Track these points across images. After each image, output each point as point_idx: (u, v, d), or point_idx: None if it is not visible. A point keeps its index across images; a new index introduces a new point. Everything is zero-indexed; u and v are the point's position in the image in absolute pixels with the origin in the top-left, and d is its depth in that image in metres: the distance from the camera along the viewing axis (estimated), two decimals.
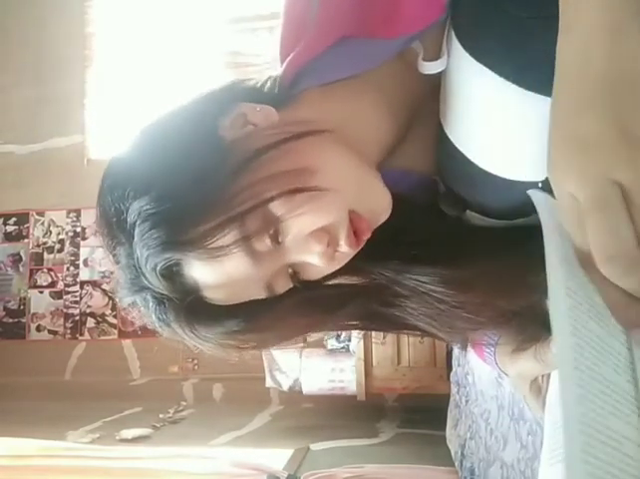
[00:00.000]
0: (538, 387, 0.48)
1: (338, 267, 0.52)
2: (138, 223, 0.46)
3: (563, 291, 0.32)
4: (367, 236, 0.50)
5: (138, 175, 0.48)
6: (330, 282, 0.55)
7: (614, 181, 0.31)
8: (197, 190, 0.46)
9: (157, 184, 0.46)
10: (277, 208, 0.46)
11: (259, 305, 0.50)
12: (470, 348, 0.61)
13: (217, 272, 0.47)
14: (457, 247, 0.58)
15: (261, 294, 0.50)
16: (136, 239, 0.47)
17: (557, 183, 0.34)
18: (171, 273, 0.47)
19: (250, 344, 0.53)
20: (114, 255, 0.51)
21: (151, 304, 0.50)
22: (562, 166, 0.33)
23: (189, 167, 0.47)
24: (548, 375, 0.44)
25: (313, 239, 0.48)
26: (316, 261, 0.49)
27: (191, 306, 0.49)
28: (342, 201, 0.49)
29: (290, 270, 0.51)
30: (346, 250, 0.50)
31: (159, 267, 0.47)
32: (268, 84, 0.55)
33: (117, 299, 0.53)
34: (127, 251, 0.49)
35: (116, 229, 0.49)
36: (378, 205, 0.51)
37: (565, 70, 0.34)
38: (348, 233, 0.49)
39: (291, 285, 0.51)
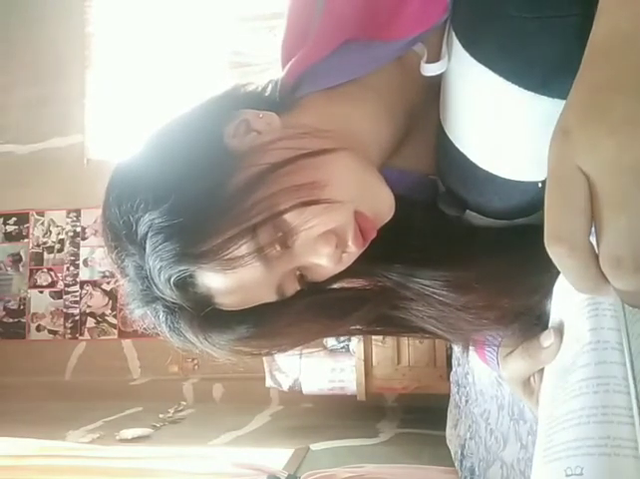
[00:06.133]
0: (532, 388, 0.48)
1: (344, 268, 0.52)
2: (150, 235, 0.47)
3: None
4: (372, 235, 0.51)
5: (146, 186, 0.48)
6: (338, 286, 0.56)
7: None
8: (209, 202, 0.46)
9: (167, 196, 0.46)
10: (290, 219, 0.47)
11: (271, 310, 0.51)
12: (472, 350, 0.61)
13: (230, 280, 0.47)
14: (458, 249, 0.58)
15: (272, 298, 0.50)
16: (148, 250, 0.47)
17: (569, 151, 0.30)
18: (185, 284, 0.48)
19: (264, 350, 0.54)
20: (122, 268, 0.51)
21: (162, 315, 0.51)
22: (585, 135, 0.30)
23: (199, 179, 0.47)
24: (540, 376, 0.43)
25: (322, 242, 0.48)
26: (324, 263, 0.49)
27: (205, 314, 0.49)
28: (349, 206, 0.49)
29: (297, 273, 0.51)
30: (353, 251, 0.50)
31: (173, 279, 0.47)
32: (269, 88, 0.55)
33: (127, 312, 0.53)
34: (137, 263, 0.49)
35: (125, 241, 0.49)
36: (382, 205, 0.52)
37: (603, 46, 0.32)
38: (355, 233, 0.49)
39: (299, 288, 0.52)
